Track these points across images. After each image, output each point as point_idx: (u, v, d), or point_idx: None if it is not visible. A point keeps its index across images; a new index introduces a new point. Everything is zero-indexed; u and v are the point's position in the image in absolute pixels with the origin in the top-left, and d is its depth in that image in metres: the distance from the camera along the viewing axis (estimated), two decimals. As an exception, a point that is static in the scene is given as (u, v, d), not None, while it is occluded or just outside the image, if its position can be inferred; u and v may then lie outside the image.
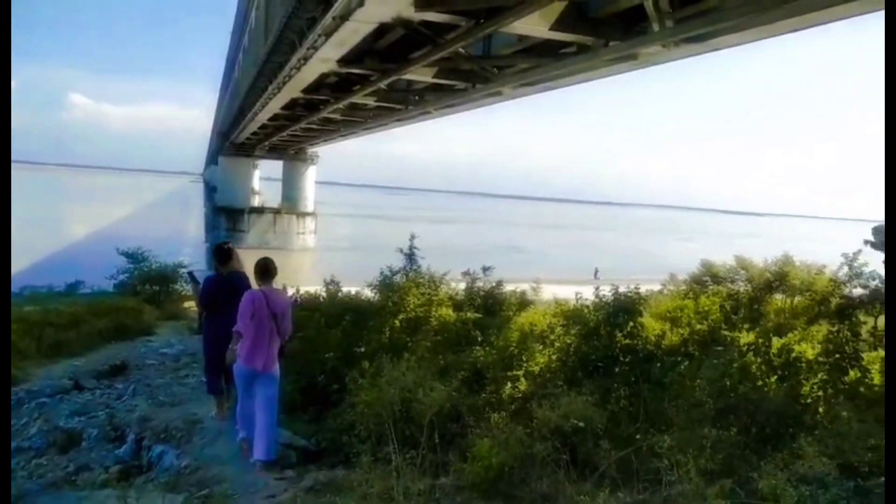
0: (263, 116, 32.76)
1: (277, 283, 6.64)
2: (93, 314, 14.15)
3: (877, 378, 5.53)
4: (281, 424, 7.07)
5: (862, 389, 5.53)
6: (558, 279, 28.18)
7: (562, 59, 14.21)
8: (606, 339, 6.66)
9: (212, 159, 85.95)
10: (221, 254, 7.40)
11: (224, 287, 7.08)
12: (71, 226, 69.98)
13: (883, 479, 4.11)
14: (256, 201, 58.30)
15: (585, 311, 7.49)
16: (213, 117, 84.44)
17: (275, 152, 53.51)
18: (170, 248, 32.13)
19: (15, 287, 25.71)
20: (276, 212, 54.18)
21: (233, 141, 51.01)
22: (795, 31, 10.85)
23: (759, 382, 5.61)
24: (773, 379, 5.70)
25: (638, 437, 4.78)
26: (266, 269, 6.23)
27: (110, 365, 10.86)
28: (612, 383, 6.10)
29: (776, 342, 6.25)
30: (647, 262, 48.19)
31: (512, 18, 11.58)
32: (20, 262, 36.68)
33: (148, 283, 19.27)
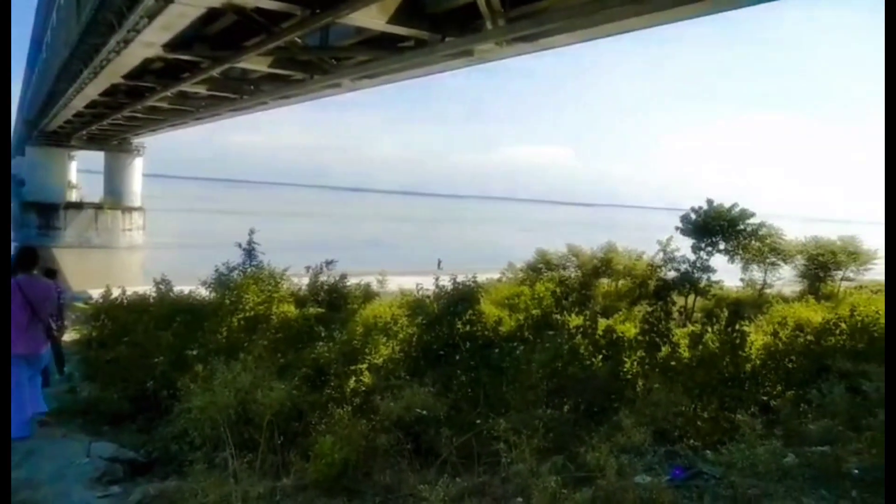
0: (79, 103, 29.86)
1: (100, 283, 6.28)
2: None
3: (685, 352, 6.16)
4: (106, 436, 6.53)
5: (673, 363, 6.12)
6: (403, 271, 28.53)
7: (400, 53, 14.35)
8: (447, 327, 6.83)
9: (18, 149, 76.99)
10: (27, 258, 6.72)
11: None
12: None
13: (691, 442, 4.60)
14: (74, 196, 53.22)
15: (427, 301, 7.64)
16: (18, 104, 75.56)
17: (95, 142, 49.06)
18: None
19: None
20: (98, 207, 49.73)
21: (42, 129, 45.96)
22: (616, 34, 11.82)
23: (587, 362, 6.03)
24: (599, 358, 6.15)
25: (478, 421, 4.94)
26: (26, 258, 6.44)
27: None
28: (454, 371, 6.26)
29: (602, 323, 6.75)
30: (488, 252, 50.02)
31: (348, 10, 11.49)
32: None
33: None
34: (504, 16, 11.02)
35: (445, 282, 7.53)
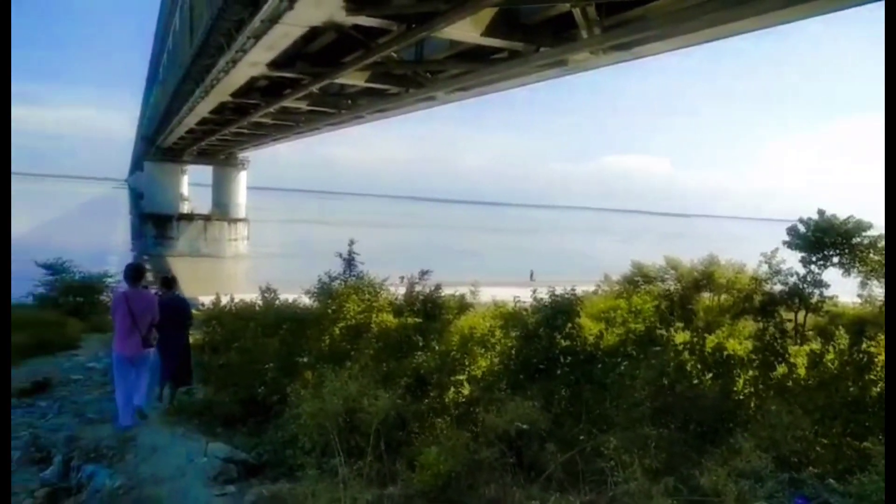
0: (191, 120, 31.83)
1: (209, 290, 6.88)
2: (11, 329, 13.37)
3: (802, 372, 5.81)
4: (219, 437, 6.87)
5: (790, 384, 5.79)
6: (496, 282, 28.50)
7: (493, 65, 14.43)
8: (546, 341, 6.75)
9: (137, 164, 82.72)
10: (135, 273, 7.63)
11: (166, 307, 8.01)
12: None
13: (812, 469, 4.33)
14: (186, 207, 56.55)
15: (524, 313, 7.58)
16: (138, 122, 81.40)
17: (204, 157, 52.08)
18: (94, 258, 30.74)
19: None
20: (207, 218, 52.67)
21: (159, 146, 49.34)
22: (713, 40, 11.42)
23: (695, 380, 5.80)
24: (709, 377, 5.90)
25: (581, 438, 4.86)
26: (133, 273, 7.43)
27: (32, 382, 10.27)
28: (554, 385, 6.18)
29: (710, 340, 6.48)
30: (580, 264, 49.19)
31: (443, 24, 11.65)
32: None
33: (71, 295, 18.36)
34: (600, 24, 10.87)
35: (543, 294, 7.44)
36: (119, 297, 7.27)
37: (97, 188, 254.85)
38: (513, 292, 12.72)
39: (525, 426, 4.61)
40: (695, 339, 6.36)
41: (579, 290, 8.83)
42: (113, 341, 7.37)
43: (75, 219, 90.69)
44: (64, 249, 23.33)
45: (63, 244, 35.06)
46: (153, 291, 8.57)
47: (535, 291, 7.70)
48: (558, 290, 7.65)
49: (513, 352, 6.82)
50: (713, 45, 11.83)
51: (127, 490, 5.56)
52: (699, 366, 5.95)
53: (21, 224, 74.46)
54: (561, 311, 7.05)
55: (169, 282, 9.26)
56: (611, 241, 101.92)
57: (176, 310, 8.47)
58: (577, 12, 10.61)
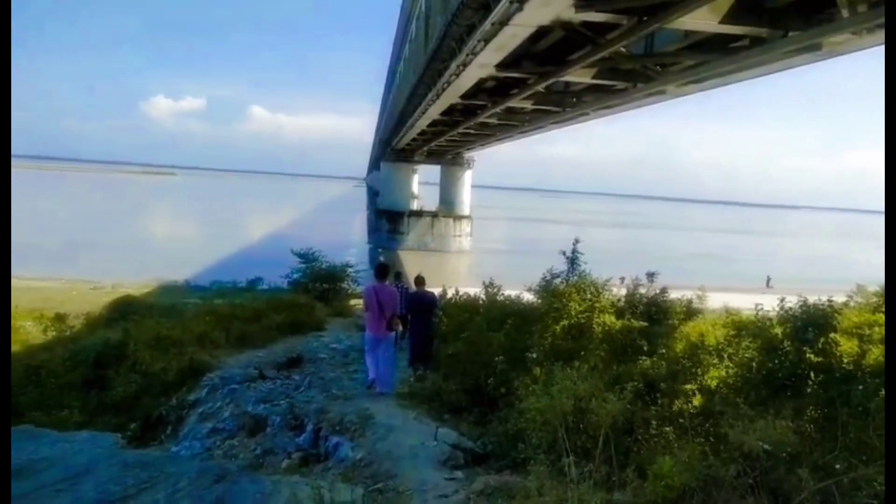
0: (423, 123, 33.86)
1: (436, 283, 7.75)
2: (272, 309, 15.34)
3: None
4: (447, 424, 7.23)
5: None
6: (726, 287, 26.48)
7: (733, 54, 13.38)
8: (794, 355, 6.08)
9: (374, 165, 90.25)
10: (381, 270, 9.51)
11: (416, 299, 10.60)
12: (251, 226, 76.57)
13: None
14: (415, 205, 60.45)
15: (766, 323, 6.90)
16: (376, 125, 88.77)
17: (433, 157, 55.23)
18: (336, 249, 34.06)
19: (205, 281, 28.77)
20: (434, 215, 55.80)
21: (393, 147, 53.36)
22: None
23: None
24: None
25: (837, 466, 4.31)
26: (380, 271, 9.42)
27: (287, 357, 11.70)
28: (803, 405, 5.56)
29: None
30: (825, 271, 43.99)
31: (678, 14, 11.05)
32: (211, 257, 40.82)
33: (318, 282, 20.58)
34: (866, 1, 9.53)
35: (792, 303, 6.70)
36: (369, 290, 8.93)
37: (341, 187, 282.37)
38: (746, 299, 11.74)
39: (769, 447, 4.20)
40: None
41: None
42: (365, 325, 9.11)
43: (322, 214, 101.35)
44: (313, 240, 26.15)
45: (312, 236, 39.35)
46: (401, 286, 11.37)
47: (782, 300, 6.96)
48: (811, 299, 6.84)
49: (753, 364, 6.25)
50: None
51: (367, 463, 6.08)
52: None
53: (282, 217, 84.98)
54: (813, 324, 6.30)
55: (418, 280, 11.27)
56: (864, 245, 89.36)
57: (423, 301, 10.53)
58: (839, -11, 9.45)
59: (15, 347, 16.15)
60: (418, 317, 10.35)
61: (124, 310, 19.07)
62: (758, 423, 4.17)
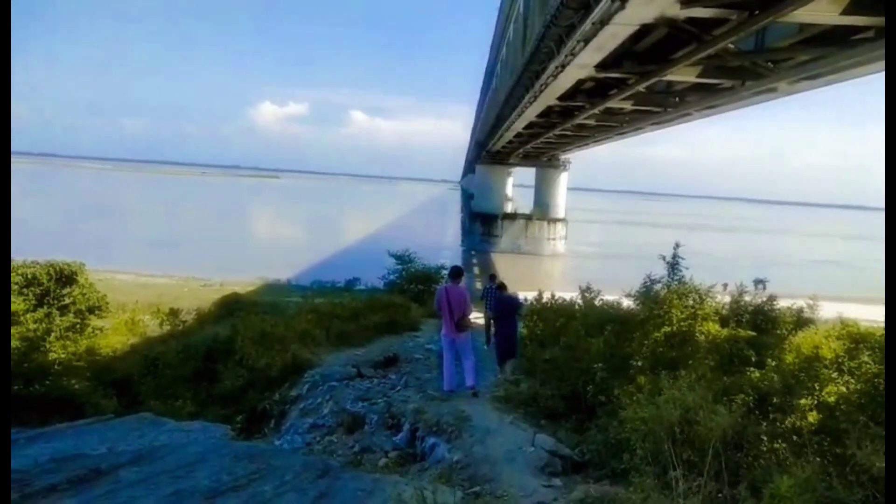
0: (519, 125, 33.69)
1: (530, 287, 7.56)
2: (369, 309, 15.68)
3: None
4: (544, 430, 7.13)
5: None
6: (839, 296, 24.77)
7: (854, 47, 12.49)
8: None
9: (469, 168, 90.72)
10: (455, 272, 9.72)
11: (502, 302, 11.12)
12: (350, 228, 78.88)
13: None
14: (509, 207, 60.25)
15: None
16: (471, 128, 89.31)
17: (528, 160, 54.85)
18: (431, 251, 34.50)
19: (306, 280, 29.87)
20: (528, 218, 55.43)
21: (489, 150, 53.39)
22: None
23: None
24: None
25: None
26: (454, 272, 9.64)
27: (384, 356, 11.91)
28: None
29: None
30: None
31: (794, 6, 10.45)
32: (312, 258, 42.35)
33: (414, 283, 20.88)
34: None
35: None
36: (441, 291, 9.15)
37: (436, 189, 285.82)
38: (865, 310, 10.96)
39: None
40: None
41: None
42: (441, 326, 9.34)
43: (418, 216, 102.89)
44: (408, 242, 26.59)
45: (408, 238, 40.06)
46: (493, 288, 11.99)
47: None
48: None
49: (877, 380, 5.77)
50: None
51: (463, 466, 6.09)
52: None
53: (380, 219, 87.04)
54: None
55: (501, 285, 11.98)
56: None
57: (508, 304, 11.07)
58: None
59: (135, 339, 17.42)
60: (503, 319, 10.86)
61: (231, 306, 20.13)
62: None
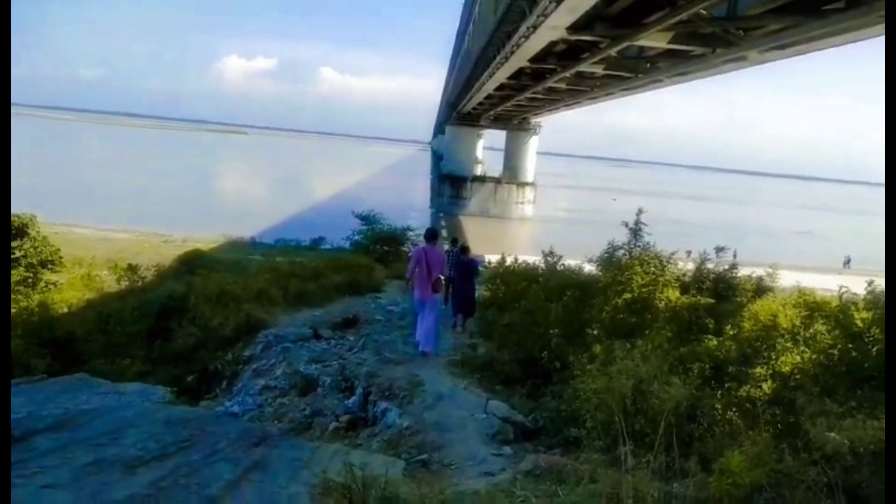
0: (490, 86, 33.22)
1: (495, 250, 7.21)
2: (331, 269, 15.35)
3: None
4: (498, 395, 7.01)
5: None
6: (797, 266, 25.21)
7: (825, 17, 12.34)
8: (882, 344, 5.53)
9: (439, 129, 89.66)
10: (431, 234, 9.73)
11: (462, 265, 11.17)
12: (317, 187, 77.73)
13: None
14: (479, 170, 59.82)
15: (851, 308, 6.31)
16: (442, 89, 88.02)
17: (499, 122, 54.36)
18: (398, 212, 34.08)
19: (270, 239, 29.34)
20: (497, 181, 55.12)
21: (460, 111, 52.69)
22: None
23: None
24: None
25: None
26: (429, 234, 9.61)
27: (343, 318, 11.66)
28: (886, 399, 5.04)
29: None
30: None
31: (771, -29, 10.21)
32: (278, 216, 41.62)
33: (379, 244, 20.59)
34: None
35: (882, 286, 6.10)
36: (419, 252, 9.14)
37: (405, 150, 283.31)
38: (821, 279, 10.99)
39: (858, 448, 3.76)
40: None
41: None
42: (413, 286, 9.11)
43: (387, 177, 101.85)
44: (376, 203, 26.17)
45: (376, 198, 39.49)
46: (454, 251, 11.63)
47: (871, 283, 6.37)
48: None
49: (834, 351, 5.72)
50: None
51: (413, 432, 5.93)
52: None
53: (348, 179, 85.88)
54: (904, 310, 5.70)
55: (464, 248, 11.83)
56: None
57: (467, 266, 11.12)
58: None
59: (91, 295, 16.84)
60: (462, 279, 11.03)
61: (192, 263, 19.57)
62: (845, 422, 3.74)
